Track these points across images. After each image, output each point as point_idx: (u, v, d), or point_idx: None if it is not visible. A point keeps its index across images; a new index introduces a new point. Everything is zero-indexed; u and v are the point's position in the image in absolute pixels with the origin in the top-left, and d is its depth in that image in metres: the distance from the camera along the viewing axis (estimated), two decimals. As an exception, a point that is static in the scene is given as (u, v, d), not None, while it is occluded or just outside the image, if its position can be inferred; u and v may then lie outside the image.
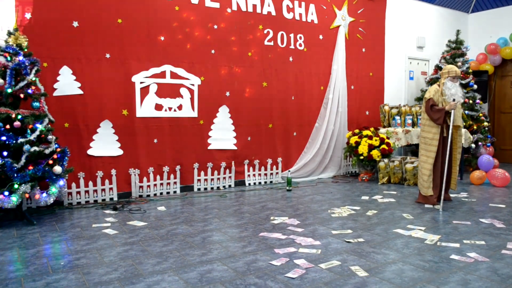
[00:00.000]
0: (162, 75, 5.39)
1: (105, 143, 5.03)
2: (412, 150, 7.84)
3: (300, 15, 6.61)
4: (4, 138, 3.84)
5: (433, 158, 4.77)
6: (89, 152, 4.95)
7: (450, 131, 4.60)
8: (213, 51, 5.76)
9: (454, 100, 4.60)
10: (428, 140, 4.79)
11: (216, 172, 5.88)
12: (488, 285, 2.62)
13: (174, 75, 5.48)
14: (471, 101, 7.53)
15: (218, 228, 3.91)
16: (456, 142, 4.84)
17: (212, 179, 5.86)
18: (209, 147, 5.83)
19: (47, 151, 4.08)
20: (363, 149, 6.38)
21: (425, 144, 4.83)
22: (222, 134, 5.93)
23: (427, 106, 4.75)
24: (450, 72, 4.71)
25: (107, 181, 5.05)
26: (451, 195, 5.24)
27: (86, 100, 4.90)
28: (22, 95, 4.08)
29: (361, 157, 6.45)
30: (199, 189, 5.77)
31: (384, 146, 6.36)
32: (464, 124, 7.04)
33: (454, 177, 4.94)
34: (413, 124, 6.84)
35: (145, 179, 5.31)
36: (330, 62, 7.00)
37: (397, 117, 7.05)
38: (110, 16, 4.98)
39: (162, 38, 5.35)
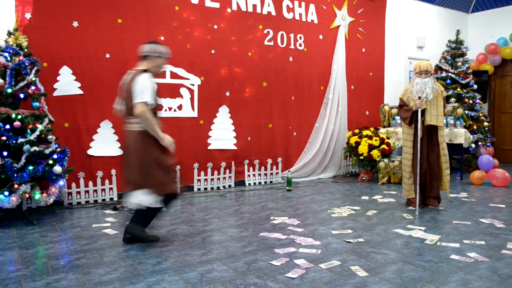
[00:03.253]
0: (162, 75, 5.39)
1: (105, 143, 5.03)
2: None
3: (300, 15, 6.61)
4: (4, 138, 3.84)
5: (409, 160, 4.57)
6: (89, 152, 4.94)
7: (419, 132, 4.39)
8: (213, 51, 5.76)
9: (420, 98, 4.35)
10: (404, 141, 4.64)
11: (216, 172, 5.88)
12: (488, 285, 2.62)
13: (174, 75, 5.48)
14: (471, 101, 7.53)
15: (218, 228, 3.91)
16: (438, 144, 4.51)
17: (212, 179, 5.86)
18: (209, 147, 5.83)
19: (47, 151, 4.08)
20: (363, 149, 6.38)
21: (403, 145, 4.69)
22: (222, 134, 5.93)
23: (398, 106, 4.67)
24: (415, 68, 4.47)
25: (107, 181, 5.05)
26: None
27: (86, 100, 4.90)
28: (22, 95, 4.08)
29: (361, 157, 6.45)
30: (199, 189, 5.77)
31: (384, 146, 6.36)
32: (464, 124, 7.04)
33: (445, 180, 4.59)
34: (413, 124, 6.83)
35: (145, 179, 5.30)
36: (330, 62, 7.00)
37: (397, 117, 7.05)
38: (110, 16, 4.98)
39: (162, 38, 5.35)
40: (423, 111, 4.45)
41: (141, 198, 3.23)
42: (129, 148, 3.30)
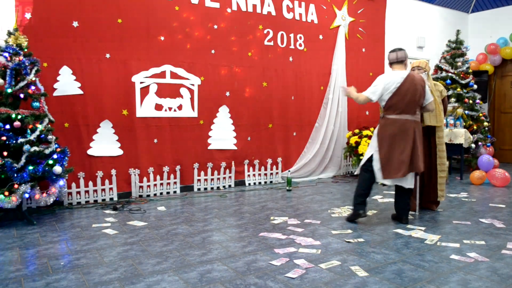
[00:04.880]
0: (162, 75, 5.39)
1: (105, 143, 5.03)
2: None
3: (300, 15, 6.61)
4: (4, 138, 3.84)
5: None
6: (89, 152, 4.95)
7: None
8: (213, 51, 5.76)
9: None
10: None
11: (216, 172, 5.88)
12: (488, 285, 2.62)
13: (174, 75, 5.48)
14: (471, 101, 7.53)
15: (218, 228, 3.91)
16: (435, 145, 4.44)
17: (212, 179, 5.86)
18: (209, 147, 5.83)
19: (47, 151, 4.08)
20: (363, 149, 6.38)
21: None
22: (222, 134, 5.93)
23: None
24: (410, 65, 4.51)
25: (107, 181, 5.05)
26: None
27: (86, 100, 4.90)
28: (22, 95, 4.08)
29: (361, 157, 6.44)
30: (199, 189, 5.77)
31: (384, 146, 6.35)
32: (464, 124, 7.04)
33: (441, 188, 4.44)
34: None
35: (145, 179, 5.30)
36: (330, 62, 7.00)
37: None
38: (110, 16, 4.98)
39: (162, 38, 5.35)
40: None
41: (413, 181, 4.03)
42: (416, 137, 3.93)
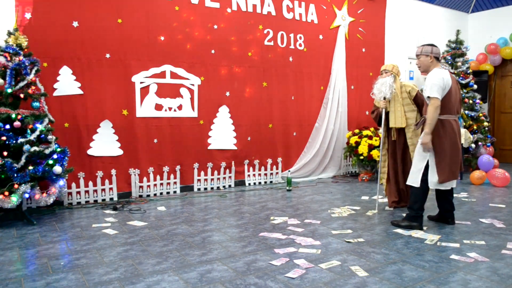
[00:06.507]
0: (162, 75, 5.39)
1: (105, 143, 5.03)
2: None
3: (300, 15, 6.61)
4: (4, 138, 3.84)
5: (384, 161, 4.64)
6: (89, 152, 4.95)
7: (383, 133, 4.46)
8: (213, 51, 5.76)
9: (384, 98, 4.38)
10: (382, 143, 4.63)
11: (216, 172, 5.88)
12: (488, 285, 2.62)
13: (174, 75, 5.48)
14: (471, 101, 7.53)
15: (218, 228, 3.91)
16: (408, 146, 4.38)
17: (212, 179, 5.86)
18: (209, 147, 5.83)
19: (47, 151, 4.08)
20: (363, 149, 6.38)
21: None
22: (222, 134, 5.93)
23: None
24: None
25: (107, 181, 5.05)
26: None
27: (86, 100, 4.90)
28: (22, 95, 4.08)
29: (361, 157, 6.45)
30: (199, 189, 5.77)
31: (384, 146, 6.36)
32: (464, 124, 7.04)
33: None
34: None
35: (145, 179, 5.31)
36: (330, 62, 7.00)
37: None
38: (110, 16, 4.98)
39: (162, 38, 5.35)
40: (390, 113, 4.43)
41: None
42: (459, 138, 3.82)
